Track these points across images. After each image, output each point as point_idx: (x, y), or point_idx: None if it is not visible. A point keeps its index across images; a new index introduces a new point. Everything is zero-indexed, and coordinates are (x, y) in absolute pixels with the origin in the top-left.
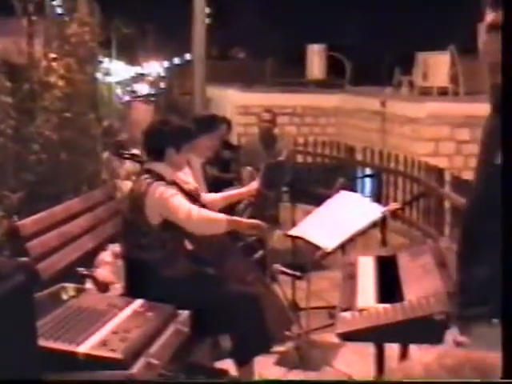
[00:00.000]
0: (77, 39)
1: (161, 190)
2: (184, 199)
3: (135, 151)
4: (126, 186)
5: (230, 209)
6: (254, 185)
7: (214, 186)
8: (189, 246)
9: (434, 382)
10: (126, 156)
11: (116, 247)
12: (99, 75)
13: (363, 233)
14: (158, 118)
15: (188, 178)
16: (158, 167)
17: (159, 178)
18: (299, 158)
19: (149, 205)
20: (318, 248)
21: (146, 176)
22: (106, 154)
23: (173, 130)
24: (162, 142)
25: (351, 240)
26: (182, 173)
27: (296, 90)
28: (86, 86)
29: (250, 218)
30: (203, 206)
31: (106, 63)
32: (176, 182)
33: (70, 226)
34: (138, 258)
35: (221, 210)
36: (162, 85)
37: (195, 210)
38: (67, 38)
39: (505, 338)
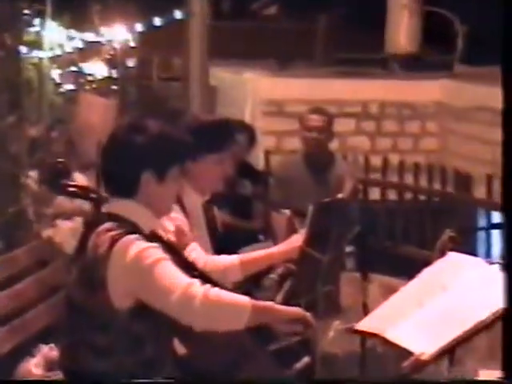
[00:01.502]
0: None
1: (135, 250)
2: (175, 267)
3: (84, 181)
4: (70, 240)
5: (253, 283)
6: (296, 241)
7: (226, 241)
8: (180, 348)
9: (434, 381)
10: (71, 190)
11: (51, 351)
12: (23, 47)
13: (487, 326)
14: (125, 122)
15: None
16: (128, 209)
17: (130, 227)
18: (373, 194)
19: (113, 276)
20: (407, 353)
21: (108, 226)
22: (34, 185)
23: (152, 141)
24: (133, 163)
25: (464, 339)
26: (167, 219)
27: (368, 74)
28: (0, 65)
29: (288, 299)
30: (205, 278)
31: (36, 26)
32: (158, 235)
33: None
34: (90, 370)
35: (237, 287)
36: (131, 63)
37: (198, 287)
38: None
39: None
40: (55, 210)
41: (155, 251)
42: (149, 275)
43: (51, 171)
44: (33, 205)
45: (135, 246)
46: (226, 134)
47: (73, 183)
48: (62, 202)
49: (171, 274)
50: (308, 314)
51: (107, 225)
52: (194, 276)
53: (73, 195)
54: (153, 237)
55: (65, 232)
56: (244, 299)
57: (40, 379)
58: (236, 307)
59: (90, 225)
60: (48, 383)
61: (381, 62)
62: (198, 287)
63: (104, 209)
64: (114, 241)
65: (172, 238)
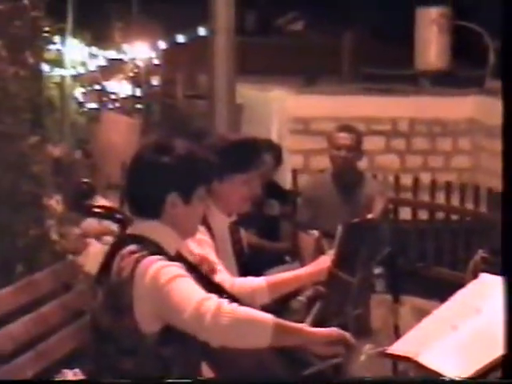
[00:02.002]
0: (6, 6)
1: (154, 269)
2: (194, 283)
3: (108, 202)
4: (94, 263)
5: (280, 306)
6: (324, 262)
7: (253, 263)
8: (208, 372)
9: (434, 381)
10: (96, 211)
11: (77, 374)
12: (45, 66)
13: None
14: (151, 141)
15: (205, 249)
16: (153, 230)
17: (155, 249)
18: (404, 214)
19: (137, 299)
20: (440, 377)
21: (132, 248)
22: (58, 207)
23: (179, 162)
24: (158, 184)
25: (499, 363)
26: (193, 241)
27: (397, 90)
28: (22, 84)
29: (317, 322)
30: (233, 299)
31: (58, 44)
32: (183, 256)
33: None
34: None
35: (265, 308)
36: (155, 81)
37: (213, 301)
38: None
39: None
40: (81, 232)
41: (174, 269)
42: (164, 294)
43: (76, 192)
44: (56, 226)
45: (155, 265)
46: (252, 153)
47: (98, 204)
48: (89, 223)
49: (187, 289)
50: (347, 334)
51: (132, 247)
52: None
53: (98, 216)
54: (178, 258)
55: (92, 254)
56: (265, 316)
57: (40, 379)
58: (254, 323)
59: (114, 246)
60: (49, 383)
61: (410, 78)
62: (212, 301)
63: (129, 230)
64: (136, 262)
65: (197, 260)
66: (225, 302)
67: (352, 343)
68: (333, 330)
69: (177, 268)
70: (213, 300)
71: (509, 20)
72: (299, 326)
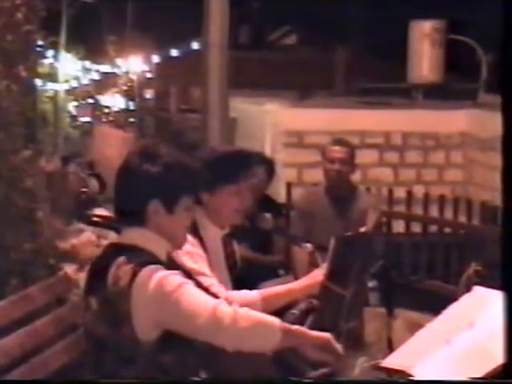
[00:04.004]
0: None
1: (156, 278)
2: (199, 290)
3: (108, 213)
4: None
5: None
6: (317, 275)
7: (246, 276)
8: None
9: (435, 381)
10: (95, 220)
11: None
12: (38, 80)
13: None
14: (136, 148)
15: (198, 263)
16: (142, 238)
17: (149, 257)
18: (397, 227)
19: (137, 308)
20: None
21: (126, 257)
22: (51, 220)
23: (163, 170)
24: (141, 190)
25: (492, 377)
26: (185, 254)
27: (390, 104)
28: (15, 99)
29: None
30: None
31: (51, 58)
32: (177, 262)
33: None
34: None
35: None
36: (148, 94)
37: (226, 306)
38: None
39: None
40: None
41: (178, 277)
42: (173, 301)
43: (76, 201)
44: (50, 240)
45: (157, 274)
46: (242, 164)
47: (96, 213)
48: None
49: (196, 296)
50: (336, 343)
51: (126, 255)
52: None
53: (96, 225)
54: (173, 266)
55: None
56: (273, 319)
57: (40, 379)
58: (266, 325)
59: (105, 256)
60: (49, 383)
61: (403, 92)
62: (225, 306)
63: (116, 239)
64: (135, 271)
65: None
66: (236, 306)
67: (339, 351)
68: (326, 335)
69: (180, 276)
70: (225, 305)
71: (509, 33)
72: (299, 327)
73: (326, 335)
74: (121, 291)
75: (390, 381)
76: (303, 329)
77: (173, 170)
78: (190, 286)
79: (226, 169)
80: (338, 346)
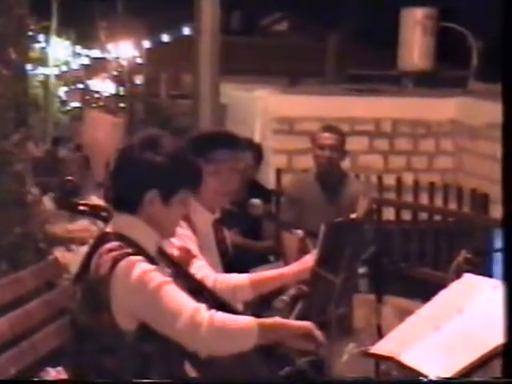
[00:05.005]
0: None
1: (138, 272)
2: (180, 291)
3: (95, 200)
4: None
5: (264, 303)
6: (307, 261)
7: (236, 262)
8: (191, 372)
9: (435, 381)
10: (82, 209)
11: (58, 374)
12: (29, 65)
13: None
14: (139, 136)
15: (185, 242)
16: (132, 227)
17: (133, 247)
18: (388, 214)
19: (116, 297)
20: (423, 377)
21: (110, 245)
22: (42, 204)
23: (164, 161)
24: (139, 179)
25: (481, 363)
26: (176, 237)
27: (380, 91)
28: (6, 83)
29: (300, 320)
30: (214, 298)
31: (42, 43)
32: (164, 252)
33: None
34: None
35: (247, 306)
36: (139, 80)
37: (204, 313)
38: None
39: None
40: (64, 232)
41: (159, 275)
42: (154, 299)
43: (61, 189)
44: (40, 225)
45: (138, 267)
46: (220, 144)
47: (84, 202)
48: (71, 223)
49: (177, 298)
50: (317, 331)
51: (110, 244)
52: (201, 295)
53: (84, 213)
54: (158, 255)
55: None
56: (249, 320)
57: (40, 379)
58: (242, 331)
59: (94, 244)
60: (48, 383)
61: (394, 79)
62: (203, 313)
63: (108, 227)
64: (115, 261)
65: (177, 253)
66: (214, 311)
67: (320, 340)
68: (306, 323)
69: (161, 274)
70: (204, 311)
71: (508, 22)
72: (277, 319)
73: (307, 324)
74: (101, 280)
75: (392, 380)
76: (282, 320)
77: (177, 161)
78: (171, 286)
79: (204, 148)
80: (319, 334)
